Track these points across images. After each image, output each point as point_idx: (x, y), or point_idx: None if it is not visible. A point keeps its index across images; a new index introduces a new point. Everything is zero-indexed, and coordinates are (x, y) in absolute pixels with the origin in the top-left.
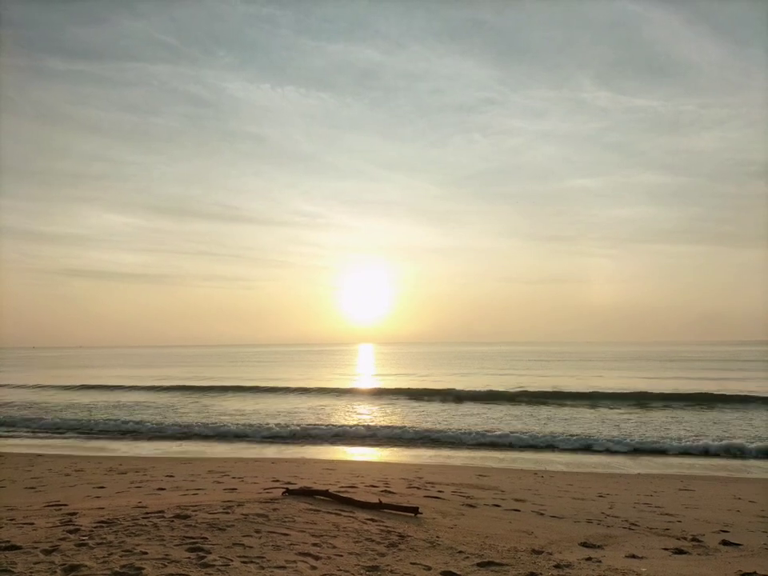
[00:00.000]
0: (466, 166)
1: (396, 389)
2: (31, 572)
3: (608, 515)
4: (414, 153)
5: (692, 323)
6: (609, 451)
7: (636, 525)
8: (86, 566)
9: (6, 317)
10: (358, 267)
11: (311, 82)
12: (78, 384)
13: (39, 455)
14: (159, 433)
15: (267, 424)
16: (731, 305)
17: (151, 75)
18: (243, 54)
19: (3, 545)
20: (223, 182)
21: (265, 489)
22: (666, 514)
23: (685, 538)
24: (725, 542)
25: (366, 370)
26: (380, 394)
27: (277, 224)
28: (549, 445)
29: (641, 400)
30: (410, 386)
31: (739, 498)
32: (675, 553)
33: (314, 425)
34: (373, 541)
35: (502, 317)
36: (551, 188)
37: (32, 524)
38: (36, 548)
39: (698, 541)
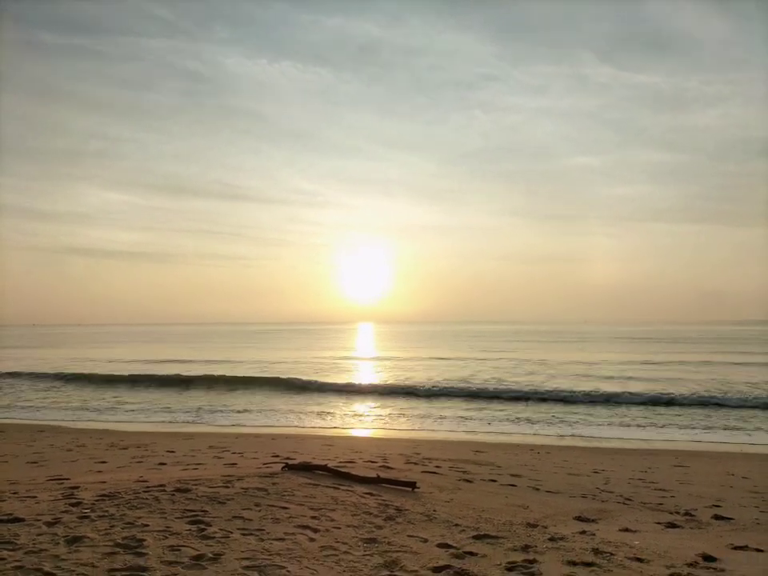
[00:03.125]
0: (465, 143)
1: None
2: (34, 543)
3: (603, 490)
4: (412, 130)
5: (691, 302)
6: None
7: (630, 500)
8: (89, 537)
9: (6, 294)
10: (357, 245)
11: (308, 57)
12: None
13: (41, 431)
14: None
15: None
16: (730, 283)
17: (146, 50)
18: (239, 28)
19: (6, 517)
20: (221, 160)
21: (264, 464)
22: (660, 490)
23: (678, 513)
24: (717, 517)
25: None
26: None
27: (275, 202)
28: None
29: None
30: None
31: (732, 475)
32: (668, 527)
33: None
34: (371, 514)
35: (501, 295)
36: (551, 166)
37: (35, 497)
38: (39, 520)
39: (691, 515)
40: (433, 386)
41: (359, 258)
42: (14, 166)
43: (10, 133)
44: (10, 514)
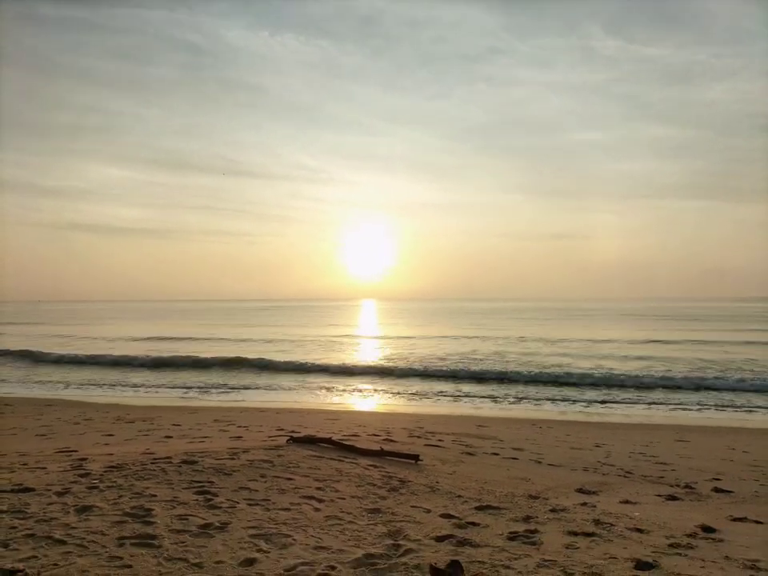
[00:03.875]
0: (469, 118)
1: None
2: (45, 512)
3: (604, 464)
4: (416, 104)
5: (693, 279)
6: None
7: (631, 473)
8: (98, 506)
9: (11, 271)
10: (360, 222)
11: (310, 29)
12: None
13: (48, 405)
14: None
15: None
16: (733, 260)
17: (147, 22)
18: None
19: (17, 487)
20: (223, 135)
21: (269, 437)
22: (661, 463)
23: (678, 486)
24: (717, 489)
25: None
26: None
27: (278, 178)
28: None
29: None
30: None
31: (733, 449)
32: (668, 499)
33: None
34: (374, 485)
35: (503, 273)
36: (556, 141)
37: (44, 468)
38: (49, 490)
39: (691, 488)
40: (431, 366)
41: (362, 234)
42: (15, 140)
43: (10, 107)
44: (20, 484)
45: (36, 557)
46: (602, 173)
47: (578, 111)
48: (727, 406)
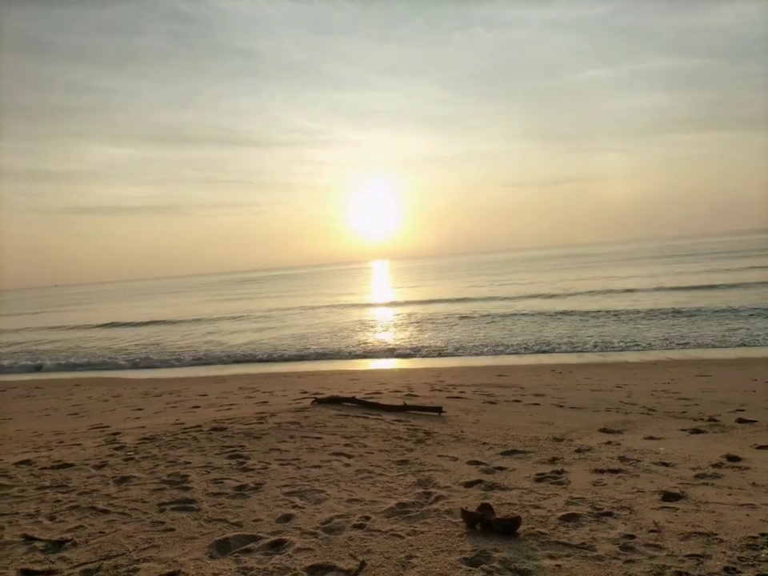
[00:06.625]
0: (468, 65)
1: None
2: (86, 485)
3: (626, 403)
4: (412, 55)
5: (707, 213)
6: None
7: (653, 410)
8: (136, 476)
9: (25, 258)
10: (364, 183)
11: None
12: None
13: (77, 384)
14: None
15: None
16: (748, 191)
17: None
18: None
19: (57, 464)
20: (218, 103)
21: (294, 400)
22: (683, 399)
23: (702, 419)
24: (741, 420)
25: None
26: None
27: (278, 144)
28: None
29: None
30: None
31: (755, 380)
32: (692, 432)
33: None
34: (401, 438)
35: (512, 223)
36: (560, 82)
37: (80, 444)
38: (87, 464)
39: (715, 420)
40: (443, 321)
41: (368, 195)
42: (12, 126)
43: (4, 92)
44: (60, 461)
45: (82, 527)
46: (609, 111)
47: (581, 49)
48: (747, 341)
